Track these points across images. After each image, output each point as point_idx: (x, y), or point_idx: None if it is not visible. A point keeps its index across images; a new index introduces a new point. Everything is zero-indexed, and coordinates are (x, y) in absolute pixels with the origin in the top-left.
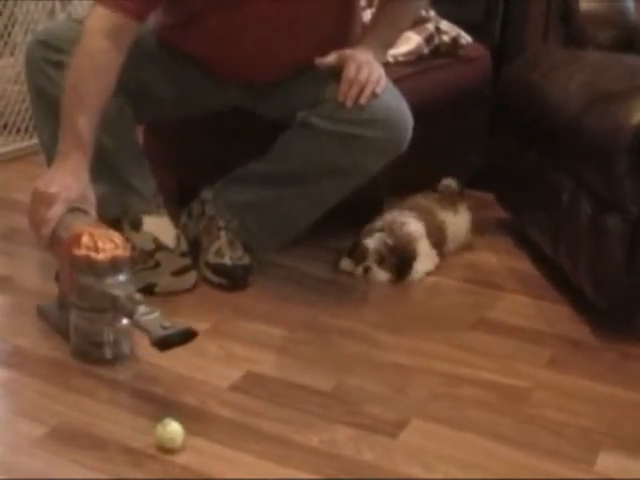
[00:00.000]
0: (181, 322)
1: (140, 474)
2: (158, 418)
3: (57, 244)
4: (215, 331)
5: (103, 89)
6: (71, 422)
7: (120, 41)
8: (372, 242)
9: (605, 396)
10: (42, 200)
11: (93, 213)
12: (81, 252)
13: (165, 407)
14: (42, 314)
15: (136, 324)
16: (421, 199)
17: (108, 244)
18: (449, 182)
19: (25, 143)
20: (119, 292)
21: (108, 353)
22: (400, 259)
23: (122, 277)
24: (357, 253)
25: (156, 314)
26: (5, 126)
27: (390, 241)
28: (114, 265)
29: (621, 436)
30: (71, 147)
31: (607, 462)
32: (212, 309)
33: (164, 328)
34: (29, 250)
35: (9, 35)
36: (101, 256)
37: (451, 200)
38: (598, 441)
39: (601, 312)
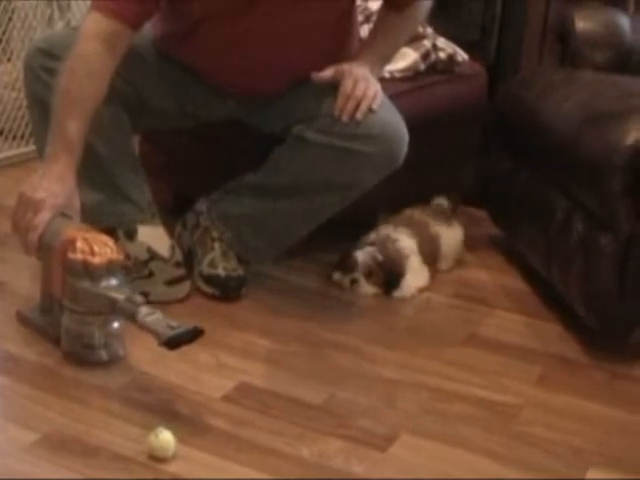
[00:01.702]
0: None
1: None
2: (150, 427)
3: (46, 250)
4: (208, 341)
5: (96, 94)
6: (62, 429)
7: (114, 47)
8: (362, 255)
9: (595, 415)
10: (29, 205)
11: (77, 219)
12: (77, 256)
13: (157, 416)
14: (23, 319)
15: (142, 325)
16: (415, 212)
17: (103, 248)
18: (441, 201)
19: (21, 149)
20: (117, 295)
21: (103, 355)
22: (388, 275)
23: (116, 280)
24: (346, 264)
25: (159, 314)
26: (1, 132)
27: (380, 256)
28: (110, 268)
29: (610, 455)
30: (60, 151)
31: None
32: (205, 320)
33: (171, 328)
34: (22, 256)
35: (7, 42)
36: (97, 260)
37: (445, 215)
38: (587, 459)
39: (592, 331)
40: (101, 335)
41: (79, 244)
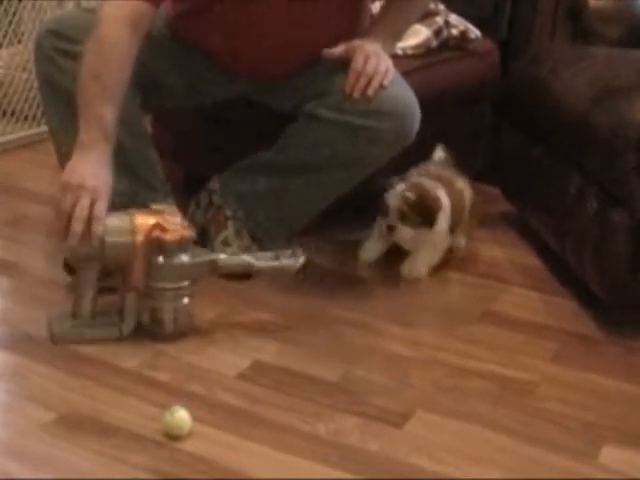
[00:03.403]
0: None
1: (147, 460)
2: (166, 405)
3: (115, 246)
4: (222, 320)
5: (125, 78)
6: (79, 408)
7: (138, 29)
8: (393, 199)
9: (610, 390)
10: (81, 194)
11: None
12: (174, 236)
13: (173, 395)
14: (62, 338)
15: (262, 270)
16: (433, 168)
17: (178, 224)
18: (440, 153)
19: (32, 131)
20: (219, 256)
21: (168, 328)
22: (422, 214)
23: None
24: (381, 210)
25: (262, 253)
26: (12, 113)
27: (412, 195)
28: (192, 240)
29: (625, 430)
30: (97, 138)
31: (611, 455)
32: (219, 299)
33: (292, 257)
34: (35, 237)
35: (17, 23)
36: (188, 232)
37: (456, 170)
38: (602, 435)
39: (606, 307)
40: (170, 310)
41: (166, 225)
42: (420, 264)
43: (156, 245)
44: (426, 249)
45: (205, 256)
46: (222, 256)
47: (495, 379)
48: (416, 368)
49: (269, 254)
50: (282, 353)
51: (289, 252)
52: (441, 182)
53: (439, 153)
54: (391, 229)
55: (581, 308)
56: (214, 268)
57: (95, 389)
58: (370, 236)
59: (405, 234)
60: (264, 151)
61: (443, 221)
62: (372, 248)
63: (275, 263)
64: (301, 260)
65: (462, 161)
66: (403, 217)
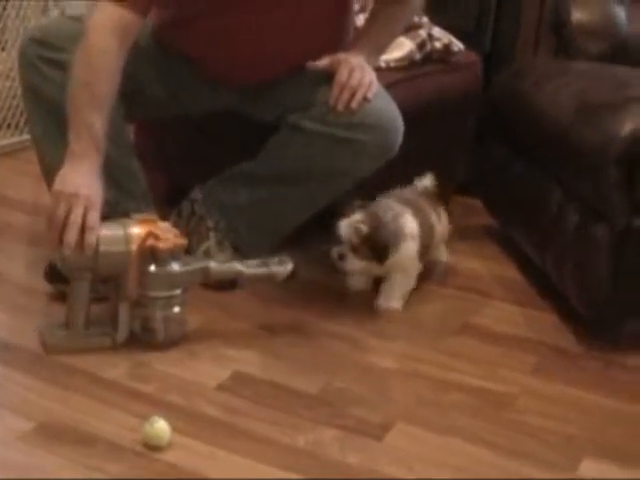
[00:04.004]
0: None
1: (126, 470)
2: (145, 416)
3: (109, 255)
4: (203, 331)
5: (115, 87)
6: (59, 418)
7: (126, 39)
8: (345, 227)
9: (589, 404)
10: (73, 203)
11: None
12: (167, 244)
13: (152, 405)
14: (54, 348)
15: (254, 276)
16: (407, 193)
17: (171, 233)
18: (427, 182)
19: (15, 139)
20: (210, 263)
21: (160, 336)
22: (374, 248)
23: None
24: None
25: (252, 260)
26: None
27: (364, 228)
28: (184, 248)
29: (604, 444)
30: (88, 148)
31: (590, 469)
32: (200, 309)
33: (281, 263)
34: (17, 245)
35: (1, 30)
36: (181, 240)
37: (434, 200)
38: (581, 448)
39: (587, 321)
40: (161, 319)
41: (159, 233)
42: (394, 295)
43: (149, 254)
44: (398, 278)
45: (197, 264)
46: (213, 264)
47: (475, 392)
48: (396, 380)
49: (257, 262)
50: (262, 364)
51: (276, 259)
52: (410, 207)
53: (425, 181)
54: (341, 257)
55: (561, 322)
56: (206, 276)
57: (75, 399)
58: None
59: (355, 265)
60: (247, 162)
61: (411, 247)
62: (360, 281)
63: (264, 270)
64: (289, 267)
65: (444, 176)
66: (354, 248)
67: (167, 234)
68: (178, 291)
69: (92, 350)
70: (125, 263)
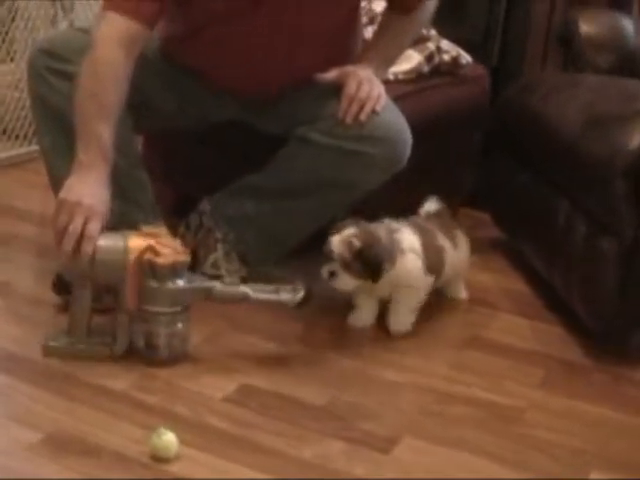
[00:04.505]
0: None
1: None
2: (152, 427)
3: (106, 264)
4: (210, 343)
5: (121, 98)
6: (66, 429)
7: (132, 50)
8: (338, 243)
9: (596, 417)
10: (76, 212)
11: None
12: (166, 260)
13: (159, 417)
14: (54, 351)
15: (259, 301)
16: (414, 218)
17: (172, 248)
18: (432, 206)
19: (24, 149)
20: (213, 284)
21: (164, 354)
22: (365, 265)
23: (184, 276)
24: (325, 253)
25: (262, 286)
26: (4, 132)
27: (357, 243)
28: (187, 265)
29: (611, 458)
30: (95, 158)
31: None
32: (207, 321)
33: (292, 291)
34: (25, 256)
35: (10, 42)
36: (183, 257)
37: (447, 224)
38: (589, 462)
39: (594, 334)
40: (166, 335)
41: (158, 248)
42: (403, 316)
43: (148, 268)
44: (402, 295)
45: (201, 283)
46: (218, 286)
47: (482, 405)
48: (404, 393)
49: (270, 287)
50: (269, 376)
51: (290, 287)
52: (411, 225)
53: (429, 205)
54: (332, 275)
55: (569, 335)
56: (209, 296)
57: (81, 410)
58: (356, 304)
59: (347, 284)
60: (255, 174)
61: (411, 260)
62: (363, 317)
63: (272, 297)
64: (299, 296)
65: (453, 187)
66: (346, 265)
67: (168, 250)
68: (181, 308)
69: (89, 358)
70: (122, 274)
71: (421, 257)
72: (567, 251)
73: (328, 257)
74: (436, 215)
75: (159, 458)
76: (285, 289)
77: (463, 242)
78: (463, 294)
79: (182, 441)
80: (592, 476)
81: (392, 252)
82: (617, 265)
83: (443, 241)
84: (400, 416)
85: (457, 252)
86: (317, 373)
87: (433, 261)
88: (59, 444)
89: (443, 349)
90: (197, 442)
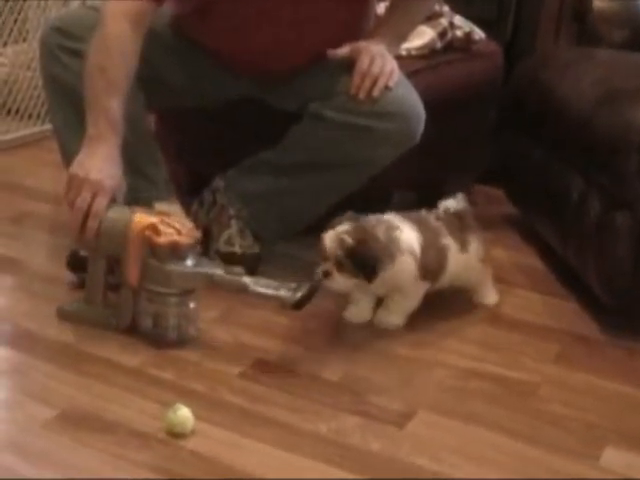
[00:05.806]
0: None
1: (149, 458)
2: (168, 403)
3: (112, 238)
4: (225, 319)
5: (130, 72)
6: (81, 405)
7: (140, 25)
8: (330, 240)
9: (611, 392)
10: (84, 187)
11: (121, 199)
12: (164, 239)
13: (175, 393)
14: (68, 315)
15: (256, 294)
16: (422, 213)
17: (177, 229)
18: (450, 204)
19: (36, 129)
20: (216, 270)
21: (173, 335)
22: (358, 264)
23: (193, 258)
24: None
25: (265, 279)
26: (17, 111)
27: (349, 240)
28: (194, 247)
29: (626, 432)
30: (105, 131)
31: (612, 457)
32: (222, 298)
33: (293, 290)
34: (38, 234)
35: (22, 21)
36: (185, 239)
37: (461, 225)
38: (603, 437)
39: (609, 309)
40: (175, 316)
41: (162, 227)
42: (393, 315)
43: (148, 246)
44: (395, 298)
45: (202, 268)
46: (219, 272)
47: (497, 380)
48: (418, 369)
49: (273, 283)
50: (284, 352)
51: (294, 285)
52: (414, 222)
53: (449, 202)
54: (326, 275)
55: (583, 310)
56: (208, 282)
57: (97, 386)
58: (352, 299)
59: (341, 284)
60: (268, 150)
61: (407, 263)
62: (359, 313)
63: (270, 292)
64: (299, 295)
65: (466, 163)
66: (339, 264)
67: (170, 229)
68: (182, 290)
69: (97, 326)
70: (124, 247)
71: (417, 260)
72: (581, 226)
73: (322, 255)
74: (455, 214)
75: (175, 434)
76: (287, 287)
77: (475, 247)
78: (489, 299)
79: (198, 417)
80: (607, 451)
81: (389, 251)
82: (631, 240)
83: (448, 241)
84: (415, 391)
85: (465, 256)
86: (331, 348)
87: (431, 263)
88: (74, 420)
89: (457, 324)
90: (213, 418)
